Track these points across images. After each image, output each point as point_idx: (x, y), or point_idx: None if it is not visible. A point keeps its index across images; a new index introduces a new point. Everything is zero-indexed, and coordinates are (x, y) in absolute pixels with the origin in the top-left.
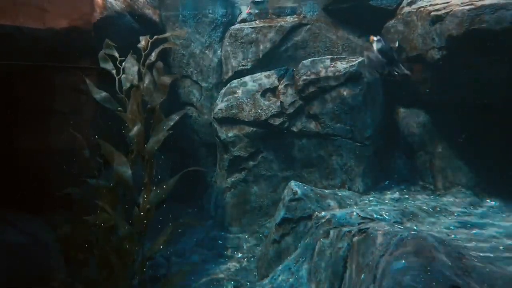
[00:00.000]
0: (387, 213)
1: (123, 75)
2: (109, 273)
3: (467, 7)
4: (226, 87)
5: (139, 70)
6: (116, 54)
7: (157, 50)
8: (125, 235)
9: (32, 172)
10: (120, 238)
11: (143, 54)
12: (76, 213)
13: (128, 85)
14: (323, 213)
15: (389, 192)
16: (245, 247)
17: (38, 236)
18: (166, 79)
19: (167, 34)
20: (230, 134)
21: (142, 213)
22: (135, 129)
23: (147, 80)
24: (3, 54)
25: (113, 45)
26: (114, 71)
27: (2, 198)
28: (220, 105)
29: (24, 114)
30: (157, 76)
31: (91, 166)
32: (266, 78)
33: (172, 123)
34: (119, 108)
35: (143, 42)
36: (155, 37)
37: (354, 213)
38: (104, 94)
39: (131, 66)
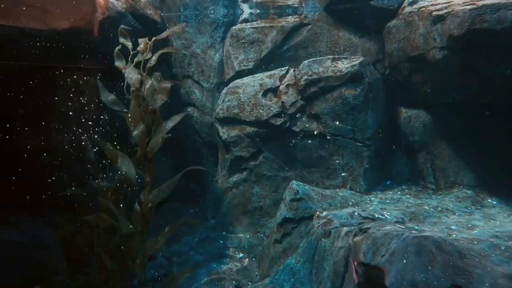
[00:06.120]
0: (388, 213)
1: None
2: (109, 273)
3: (468, 7)
4: (228, 87)
5: (140, 73)
6: (130, 45)
7: (157, 54)
8: (127, 234)
9: (34, 173)
10: (121, 237)
11: (142, 58)
12: (77, 213)
13: (131, 88)
14: (324, 213)
15: (390, 192)
16: (246, 247)
17: (40, 236)
18: (167, 83)
19: (164, 34)
20: (231, 134)
21: (143, 212)
22: (138, 130)
23: (148, 82)
24: (4, 54)
25: (127, 34)
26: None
27: (4, 199)
28: (222, 105)
29: (26, 115)
30: (157, 82)
31: (94, 166)
32: (267, 78)
33: (172, 125)
34: (125, 110)
35: (141, 45)
36: (153, 38)
37: (356, 213)
38: (112, 96)
39: (131, 70)
